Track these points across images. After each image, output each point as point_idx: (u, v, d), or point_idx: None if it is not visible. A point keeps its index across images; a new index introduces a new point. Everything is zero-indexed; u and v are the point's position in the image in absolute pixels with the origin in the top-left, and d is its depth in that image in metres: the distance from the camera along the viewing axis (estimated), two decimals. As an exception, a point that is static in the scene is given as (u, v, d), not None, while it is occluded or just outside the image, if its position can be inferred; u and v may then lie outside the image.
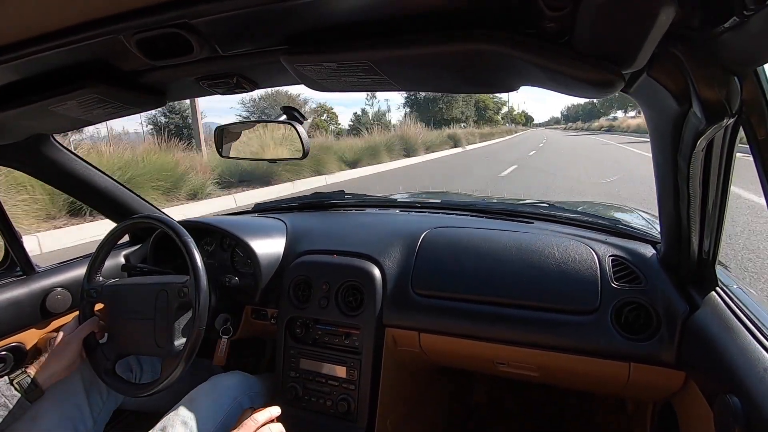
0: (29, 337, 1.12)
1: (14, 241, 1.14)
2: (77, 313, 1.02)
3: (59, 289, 1.17)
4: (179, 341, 0.91)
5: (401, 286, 1.05)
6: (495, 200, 1.61)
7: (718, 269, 0.82)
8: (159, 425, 0.83)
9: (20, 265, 1.17)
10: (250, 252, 1.15)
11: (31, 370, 0.90)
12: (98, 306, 1.03)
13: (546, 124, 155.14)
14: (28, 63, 0.59)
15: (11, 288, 1.11)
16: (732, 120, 0.53)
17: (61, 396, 0.96)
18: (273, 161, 1.36)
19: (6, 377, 0.88)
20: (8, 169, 1.16)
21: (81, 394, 0.98)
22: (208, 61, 0.65)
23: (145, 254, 1.35)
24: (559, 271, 0.95)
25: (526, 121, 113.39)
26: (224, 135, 1.20)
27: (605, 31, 0.45)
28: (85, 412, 0.96)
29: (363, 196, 1.64)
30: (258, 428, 0.81)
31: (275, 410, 0.85)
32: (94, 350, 0.99)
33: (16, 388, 0.87)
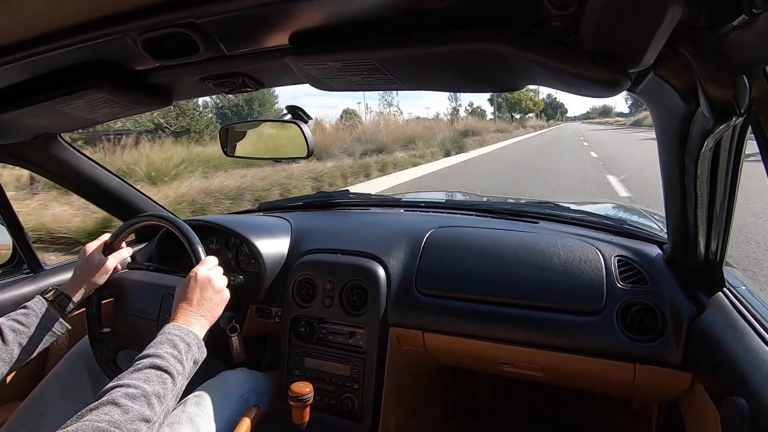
0: None
1: (22, 240, 1.15)
2: (93, 248, 0.99)
3: None
4: None
5: (405, 285, 1.05)
6: (500, 200, 1.60)
7: (726, 270, 0.81)
8: (166, 422, 0.84)
9: (28, 263, 1.18)
10: (254, 251, 1.15)
11: (68, 291, 0.92)
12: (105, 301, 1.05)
13: (586, 117, 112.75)
14: (35, 62, 0.60)
15: (19, 286, 1.13)
16: (740, 119, 0.53)
17: (68, 393, 0.97)
18: (278, 160, 1.36)
19: (41, 298, 0.89)
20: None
21: (88, 391, 0.99)
22: (214, 61, 0.65)
23: (151, 252, 1.36)
24: (564, 271, 0.94)
25: (555, 112, 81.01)
26: (229, 134, 1.20)
27: (611, 30, 0.45)
28: None
29: (367, 195, 1.64)
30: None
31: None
32: (98, 339, 1.00)
33: (57, 309, 0.89)
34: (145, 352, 0.66)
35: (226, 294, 0.84)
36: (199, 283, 0.81)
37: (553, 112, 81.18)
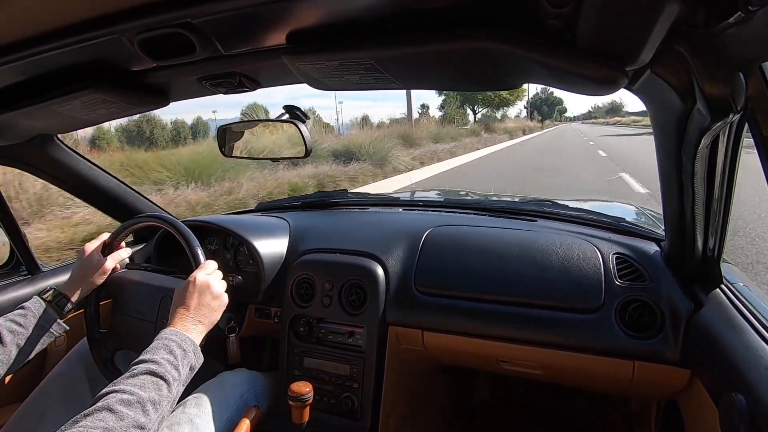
0: None
1: (19, 241, 1.15)
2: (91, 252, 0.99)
3: None
4: None
5: (404, 284, 1.05)
6: (498, 198, 1.61)
7: (723, 267, 0.81)
8: (166, 423, 0.84)
9: (25, 264, 1.18)
10: (253, 251, 1.15)
11: (66, 291, 0.92)
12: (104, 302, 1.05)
13: (588, 117, 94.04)
14: (31, 63, 0.60)
15: (17, 287, 1.12)
16: (737, 116, 0.53)
17: (67, 395, 0.97)
18: (276, 160, 1.36)
19: (39, 299, 0.89)
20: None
21: (87, 392, 0.99)
22: (211, 61, 0.65)
23: (149, 253, 1.36)
24: (563, 269, 0.94)
25: (551, 109, 62.36)
26: (227, 134, 1.20)
27: (608, 27, 0.45)
28: None
29: (365, 194, 1.64)
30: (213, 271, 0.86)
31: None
32: (96, 339, 1.00)
33: (55, 310, 0.89)
34: (141, 357, 0.66)
35: (225, 299, 0.84)
36: (197, 288, 0.80)
37: (549, 110, 63.36)
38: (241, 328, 1.17)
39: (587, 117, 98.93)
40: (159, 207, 1.47)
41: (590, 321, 0.89)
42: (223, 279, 0.86)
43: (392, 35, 0.54)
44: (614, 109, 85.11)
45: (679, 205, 0.73)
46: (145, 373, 0.63)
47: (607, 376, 0.95)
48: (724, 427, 0.64)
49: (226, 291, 0.85)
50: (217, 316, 0.82)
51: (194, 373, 0.73)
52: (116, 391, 0.59)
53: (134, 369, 0.64)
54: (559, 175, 8.15)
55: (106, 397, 0.58)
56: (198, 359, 0.73)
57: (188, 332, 0.74)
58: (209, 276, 0.84)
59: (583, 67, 0.49)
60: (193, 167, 6.04)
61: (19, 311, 0.85)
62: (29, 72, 0.66)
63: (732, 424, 0.60)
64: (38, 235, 3.69)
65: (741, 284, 0.81)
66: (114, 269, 1.01)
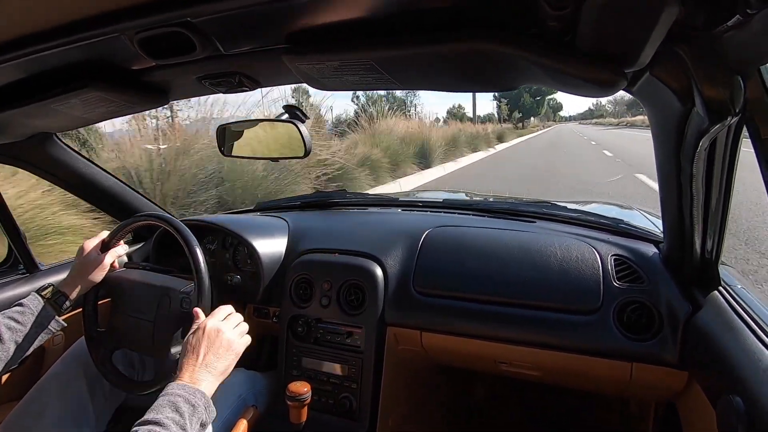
0: None
1: (18, 240, 1.15)
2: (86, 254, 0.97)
3: None
4: (176, 349, 0.91)
5: (403, 284, 1.05)
6: (497, 199, 1.61)
7: (721, 269, 0.81)
8: None
9: (23, 263, 1.18)
10: (252, 250, 1.15)
11: (64, 289, 0.92)
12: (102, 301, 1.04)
13: (590, 115, 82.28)
14: (31, 61, 0.60)
15: (15, 286, 1.12)
16: (735, 119, 0.53)
17: (64, 393, 0.97)
18: (275, 160, 1.37)
19: (37, 295, 0.89)
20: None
21: (84, 391, 0.99)
22: (210, 60, 0.65)
23: (147, 252, 1.35)
24: (561, 270, 0.94)
25: (537, 105, 41.12)
26: (226, 134, 1.20)
27: (608, 30, 0.45)
28: (88, 409, 0.97)
29: (364, 195, 1.64)
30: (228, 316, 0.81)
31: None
32: (94, 338, 1.00)
33: (53, 307, 0.89)
34: (145, 417, 0.61)
35: (237, 347, 0.77)
36: (206, 335, 0.74)
37: (534, 104, 42.61)
38: None
39: (589, 115, 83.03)
40: (158, 206, 1.47)
41: (588, 322, 0.89)
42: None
43: (393, 36, 0.54)
44: (635, 106, 58.09)
45: (677, 207, 0.73)
46: None
47: (605, 378, 0.95)
48: (722, 429, 0.64)
49: (235, 327, 0.79)
50: (227, 364, 0.75)
51: (205, 429, 0.67)
52: None
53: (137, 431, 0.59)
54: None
55: None
56: (210, 414, 0.67)
57: (198, 384, 0.68)
58: (221, 323, 0.78)
59: (583, 69, 0.49)
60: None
61: (17, 308, 0.85)
62: (29, 70, 0.66)
63: (730, 426, 0.60)
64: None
65: (739, 287, 0.81)
66: (113, 267, 1.01)
